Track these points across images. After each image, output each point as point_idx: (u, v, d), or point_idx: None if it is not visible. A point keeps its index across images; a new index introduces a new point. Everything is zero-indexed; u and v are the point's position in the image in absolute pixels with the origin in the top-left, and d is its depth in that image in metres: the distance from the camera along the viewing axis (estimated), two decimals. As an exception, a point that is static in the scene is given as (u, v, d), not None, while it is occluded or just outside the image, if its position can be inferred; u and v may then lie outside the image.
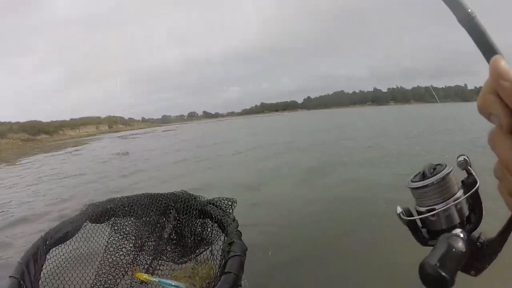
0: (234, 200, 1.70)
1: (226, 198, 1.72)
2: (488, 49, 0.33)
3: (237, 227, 1.53)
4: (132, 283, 1.51)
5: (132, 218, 1.64)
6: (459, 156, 0.53)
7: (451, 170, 0.54)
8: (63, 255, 1.41)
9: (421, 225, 0.58)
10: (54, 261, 1.39)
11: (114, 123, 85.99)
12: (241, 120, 77.48)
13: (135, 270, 1.54)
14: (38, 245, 1.36)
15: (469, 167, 0.53)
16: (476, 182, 0.53)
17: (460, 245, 0.49)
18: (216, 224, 1.64)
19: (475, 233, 0.54)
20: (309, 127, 26.45)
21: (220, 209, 1.67)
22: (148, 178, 9.20)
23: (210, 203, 1.70)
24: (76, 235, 1.47)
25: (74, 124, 75.76)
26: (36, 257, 1.33)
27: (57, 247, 1.40)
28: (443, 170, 0.54)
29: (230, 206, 1.69)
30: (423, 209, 0.56)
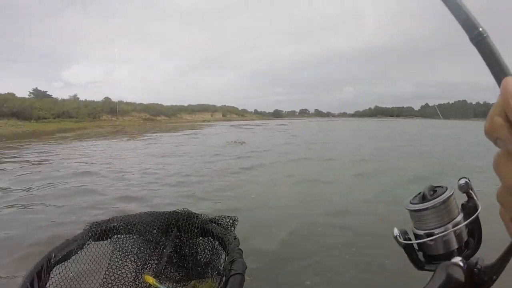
0: (236, 218, 1.72)
1: (228, 216, 1.73)
2: (499, 70, 0.32)
3: (239, 245, 1.54)
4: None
5: (134, 236, 1.66)
6: (460, 179, 0.51)
7: (452, 193, 0.52)
8: (66, 273, 1.46)
9: (417, 248, 0.56)
10: (57, 279, 1.42)
11: (228, 112, 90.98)
12: (354, 122, 71.55)
13: (145, 273, 1.58)
14: (42, 263, 1.40)
15: (470, 191, 0.51)
16: (477, 208, 0.51)
17: (460, 276, 0.47)
18: (217, 242, 1.65)
19: (473, 259, 0.52)
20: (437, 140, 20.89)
21: (221, 227, 1.69)
22: (265, 168, 9.18)
23: (212, 222, 1.71)
24: (79, 253, 1.50)
25: (191, 109, 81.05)
26: (40, 275, 1.38)
27: (60, 265, 1.43)
28: (444, 193, 0.52)
29: (231, 224, 1.70)
30: (421, 232, 0.54)
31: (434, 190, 0.54)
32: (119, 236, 1.63)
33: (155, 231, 1.68)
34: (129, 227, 1.64)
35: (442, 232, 0.52)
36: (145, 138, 21.35)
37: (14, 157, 12.28)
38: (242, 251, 1.48)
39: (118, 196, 5.96)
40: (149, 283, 1.56)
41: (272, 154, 12.43)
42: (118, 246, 1.62)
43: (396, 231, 0.56)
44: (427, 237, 0.53)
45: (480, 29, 0.34)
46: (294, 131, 29.13)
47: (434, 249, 0.53)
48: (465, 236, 0.53)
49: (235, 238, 1.60)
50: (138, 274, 1.63)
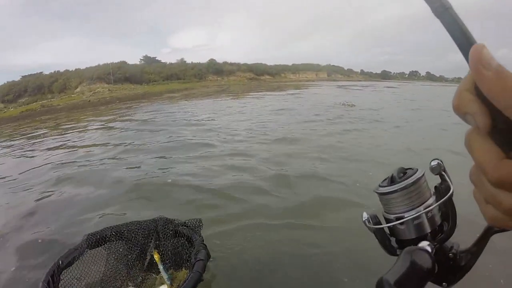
0: (200, 220, 2.03)
1: (195, 219, 2.03)
2: (465, 41, 0.28)
3: (203, 241, 1.87)
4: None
5: (123, 242, 2.03)
6: (432, 160, 0.49)
7: (423, 175, 0.51)
8: (72, 274, 1.86)
9: (389, 234, 0.54)
10: (67, 280, 1.84)
11: (333, 72, 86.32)
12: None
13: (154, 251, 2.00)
14: (54, 268, 1.84)
15: (443, 172, 0.49)
16: (449, 189, 0.49)
17: (425, 261, 0.44)
18: (187, 242, 1.97)
19: (448, 244, 0.51)
20: None
21: (190, 228, 1.98)
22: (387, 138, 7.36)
23: (182, 225, 2.01)
24: (81, 258, 1.91)
25: (295, 69, 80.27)
26: (53, 278, 1.80)
27: (67, 269, 1.85)
28: (413, 174, 0.50)
29: (198, 225, 1.99)
30: (391, 216, 0.52)
31: (404, 172, 0.52)
32: (111, 243, 2.02)
33: (139, 237, 2.02)
34: (118, 235, 2.02)
35: (413, 215, 0.49)
36: (249, 97, 21.42)
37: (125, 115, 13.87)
38: (206, 245, 1.86)
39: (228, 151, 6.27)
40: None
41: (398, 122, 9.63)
42: (111, 251, 2.01)
43: (365, 215, 0.54)
44: (397, 221, 0.51)
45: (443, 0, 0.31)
46: (408, 95, 24.17)
47: (406, 233, 0.51)
48: (438, 220, 0.51)
49: (200, 235, 1.90)
50: (129, 271, 2.00)
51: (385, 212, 0.53)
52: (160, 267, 1.94)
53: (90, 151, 7.47)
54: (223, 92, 26.99)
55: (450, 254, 0.50)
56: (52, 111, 25.55)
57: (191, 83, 45.83)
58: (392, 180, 0.51)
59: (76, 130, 11.65)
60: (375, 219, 0.54)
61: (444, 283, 0.50)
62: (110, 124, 12.37)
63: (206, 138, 7.73)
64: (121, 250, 2.02)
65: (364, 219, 0.54)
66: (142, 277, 1.98)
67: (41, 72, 41.68)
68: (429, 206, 0.49)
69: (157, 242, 2.02)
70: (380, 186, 0.53)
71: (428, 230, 0.50)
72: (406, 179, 0.50)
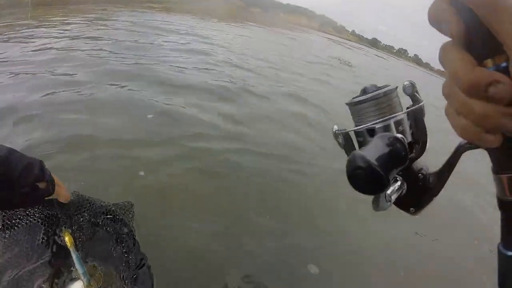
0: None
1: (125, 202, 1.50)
2: None
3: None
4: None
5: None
6: (405, 81, 0.48)
7: (396, 88, 0.50)
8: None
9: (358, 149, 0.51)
10: None
11: (325, 24, 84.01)
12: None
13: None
14: None
15: (416, 94, 0.48)
16: (420, 101, 0.48)
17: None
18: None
19: (417, 164, 0.49)
20: None
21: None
22: None
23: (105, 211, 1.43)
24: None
25: (287, 9, 77.68)
26: None
27: None
28: (386, 87, 0.49)
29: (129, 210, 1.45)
30: (361, 128, 0.51)
31: (379, 87, 0.50)
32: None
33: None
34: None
35: (382, 124, 0.48)
36: (237, 25, 19.35)
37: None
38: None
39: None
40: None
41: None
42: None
43: (335, 127, 0.55)
44: (368, 134, 0.50)
45: None
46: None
47: None
48: (409, 138, 0.49)
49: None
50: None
51: (355, 125, 0.52)
52: (73, 255, 1.31)
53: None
54: (206, 15, 23.45)
55: (420, 175, 0.49)
56: (17, 4, 22.61)
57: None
58: (364, 91, 0.50)
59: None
60: (344, 131, 0.54)
61: (411, 208, 0.51)
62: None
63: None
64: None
65: (334, 130, 0.54)
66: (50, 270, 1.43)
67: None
68: (400, 121, 0.49)
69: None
70: (353, 98, 0.52)
71: None
72: (379, 89, 0.49)
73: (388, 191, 0.47)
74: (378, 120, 0.48)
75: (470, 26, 0.28)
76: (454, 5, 0.28)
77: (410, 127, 0.49)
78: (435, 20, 0.29)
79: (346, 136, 0.53)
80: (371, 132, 0.49)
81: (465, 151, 0.45)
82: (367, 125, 0.49)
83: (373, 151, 0.42)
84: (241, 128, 4.23)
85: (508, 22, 0.26)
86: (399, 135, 0.46)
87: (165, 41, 8.32)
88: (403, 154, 0.44)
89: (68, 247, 1.26)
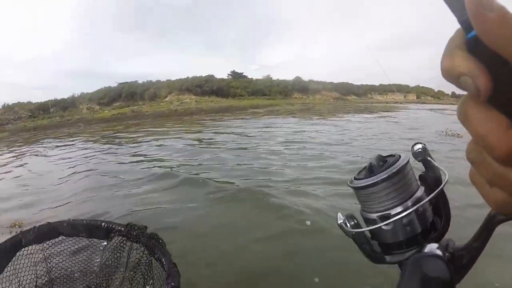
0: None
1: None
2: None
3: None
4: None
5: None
6: (415, 144, 0.43)
7: (408, 161, 0.42)
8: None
9: (370, 237, 0.45)
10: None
11: (422, 94, 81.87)
12: None
13: None
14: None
15: (428, 158, 0.43)
16: (440, 177, 0.42)
17: (442, 270, 0.38)
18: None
19: (442, 242, 0.43)
20: None
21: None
22: None
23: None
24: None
25: (383, 89, 77.54)
26: None
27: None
28: (397, 161, 0.41)
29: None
30: (372, 216, 0.43)
31: (384, 161, 0.43)
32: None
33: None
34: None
35: (401, 212, 0.41)
36: (337, 119, 18.55)
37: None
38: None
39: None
40: None
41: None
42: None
43: (340, 217, 0.45)
44: (382, 221, 0.42)
45: None
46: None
47: (392, 235, 0.43)
48: (430, 216, 0.43)
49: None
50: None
51: (363, 210, 0.44)
52: None
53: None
54: (308, 111, 25.53)
55: (447, 254, 0.41)
56: (139, 116, 27.28)
57: (276, 100, 46.60)
58: (371, 170, 0.42)
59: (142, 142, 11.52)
60: (352, 221, 0.44)
61: None
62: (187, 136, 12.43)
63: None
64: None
65: (339, 221, 0.44)
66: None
67: (136, 81, 46.03)
68: (420, 200, 0.41)
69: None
70: (355, 178, 0.43)
71: (419, 229, 0.42)
72: (389, 167, 0.41)
73: None
74: (393, 207, 0.40)
75: (497, 76, 0.22)
76: (472, 53, 0.22)
77: (430, 202, 0.42)
78: (453, 73, 0.23)
79: (354, 223, 0.45)
80: (386, 217, 0.42)
81: (500, 224, 0.38)
82: (379, 214, 0.42)
83: None
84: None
85: None
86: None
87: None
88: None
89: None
